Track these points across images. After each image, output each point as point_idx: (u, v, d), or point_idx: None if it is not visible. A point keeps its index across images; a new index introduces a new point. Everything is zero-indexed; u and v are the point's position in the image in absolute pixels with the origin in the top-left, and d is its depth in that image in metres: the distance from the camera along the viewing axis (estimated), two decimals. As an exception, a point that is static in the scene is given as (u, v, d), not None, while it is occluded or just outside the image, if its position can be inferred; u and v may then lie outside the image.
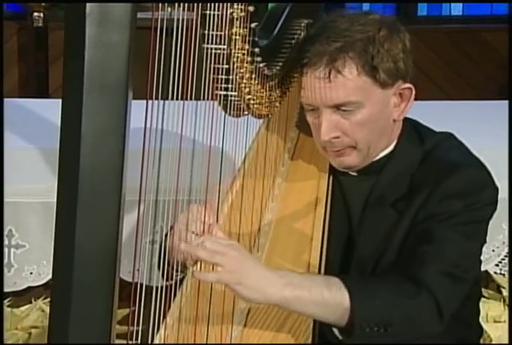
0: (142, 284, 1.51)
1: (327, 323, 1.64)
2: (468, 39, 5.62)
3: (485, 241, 1.82)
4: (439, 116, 2.62)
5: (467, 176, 1.77)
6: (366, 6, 5.80)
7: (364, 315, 1.61)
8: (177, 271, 1.68)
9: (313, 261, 1.75)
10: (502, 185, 1.87)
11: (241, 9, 1.63)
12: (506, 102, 2.99)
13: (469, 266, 1.77)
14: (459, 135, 1.91)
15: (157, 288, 1.54)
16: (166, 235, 1.75)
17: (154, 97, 1.43)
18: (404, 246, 1.77)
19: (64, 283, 1.29)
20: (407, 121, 1.87)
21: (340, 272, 1.79)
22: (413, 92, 1.80)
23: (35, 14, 5.08)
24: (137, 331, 1.52)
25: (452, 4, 5.86)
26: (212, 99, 1.66)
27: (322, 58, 1.73)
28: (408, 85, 1.79)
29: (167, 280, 1.67)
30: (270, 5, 1.97)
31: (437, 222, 1.74)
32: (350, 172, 1.87)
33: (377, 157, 1.84)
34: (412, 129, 1.87)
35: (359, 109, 1.76)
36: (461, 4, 5.85)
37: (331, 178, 1.90)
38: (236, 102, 1.74)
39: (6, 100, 3.30)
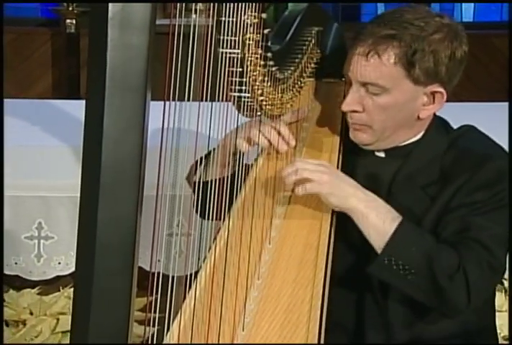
0: (164, 275, 1.53)
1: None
2: (478, 44, 5.61)
3: None
4: (448, 117, 2.61)
5: (495, 168, 1.79)
6: (381, 7, 5.81)
7: (392, 251, 1.70)
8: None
9: (322, 240, 1.77)
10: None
11: (254, 16, 1.65)
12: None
13: (503, 254, 1.79)
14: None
15: (173, 278, 1.55)
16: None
17: (171, 98, 1.45)
18: (434, 231, 1.79)
19: (86, 269, 1.29)
20: (436, 116, 1.89)
21: (362, 248, 1.81)
22: (445, 97, 1.80)
23: (68, 20, 5.12)
24: (155, 318, 1.54)
25: (463, 11, 5.85)
26: (227, 100, 1.68)
27: (370, 38, 1.75)
28: (441, 89, 1.79)
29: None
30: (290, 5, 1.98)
31: (470, 210, 1.77)
32: (377, 154, 1.89)
33: (405, 143, 1.87)
34: (440, 123, 1.90)
35: (385, 94, 1.77)
36: (472, 11, 5.84)
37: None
38: (249, 103, 1.76)
39: (40, 101, 3.34)
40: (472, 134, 1.91)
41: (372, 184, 1.84)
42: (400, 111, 1.80)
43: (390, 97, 1.78)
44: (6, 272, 2.63)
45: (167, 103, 1.43)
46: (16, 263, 2.62)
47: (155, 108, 1.34)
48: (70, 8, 5.11)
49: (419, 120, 1.84)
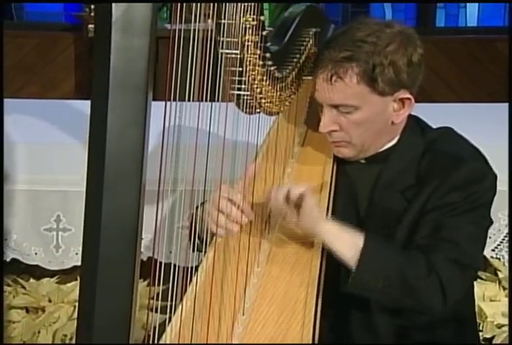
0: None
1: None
2: (481, 47, 5.60)
3: (491, 222, 1.84)
4: (452, 116, 2.62)
5: (468, 170, 1.79)
6: (388, 13, 5.80)
7: (364, 269, 1.68)
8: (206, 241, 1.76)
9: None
10: (503, 177, 1.87)
11: (253, 18, 1.66)
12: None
13: (476, 252, 1.79)
14: (469, 133, 1.92)
15: (175, 266, 1.56)
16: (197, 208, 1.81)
17: (172, 98, 1.45)
18: (412, 231, 1.79)
19: (91, 258, 1.30)
20: (410, 116, 1.87)
21: None
22: (413, 101, 1.80)
23: (90, 26, 5.12)
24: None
25: (468, 16, 5.84)
26: (227, 99, 1.68)
27: (329, 63, 1.75)
28: (408, 95, 1.79)
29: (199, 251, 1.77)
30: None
31: (444, 212, 1.76)
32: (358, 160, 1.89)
33: (383, 148, 1.86)
34: (415, 123, 1.89)
35: (356, 111, 1.78)
36: (476, 16, 5.83)
37: (334, 167, 1.91)
38: (249, 101, 1.77)
39: (63, 101, 3.36)
40: (449, 136, 1.89)
41: (354, 190, 1.86)
42: (374, 122, 1.80)
43: (361, 113, 1.78)
44: (27, 262, 2.64)
45: (169, 103, 1.43)
46: (36, 253, 2.64)
47: (157, 108, 1.35)
48: (92, 14, 5.14)
49: (394, 125, 1.84)
